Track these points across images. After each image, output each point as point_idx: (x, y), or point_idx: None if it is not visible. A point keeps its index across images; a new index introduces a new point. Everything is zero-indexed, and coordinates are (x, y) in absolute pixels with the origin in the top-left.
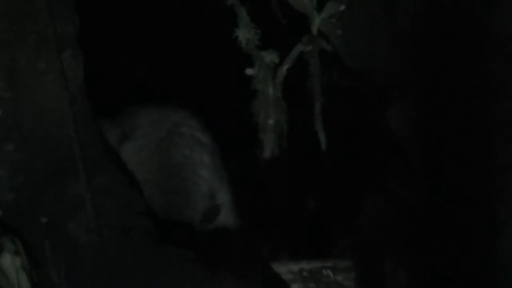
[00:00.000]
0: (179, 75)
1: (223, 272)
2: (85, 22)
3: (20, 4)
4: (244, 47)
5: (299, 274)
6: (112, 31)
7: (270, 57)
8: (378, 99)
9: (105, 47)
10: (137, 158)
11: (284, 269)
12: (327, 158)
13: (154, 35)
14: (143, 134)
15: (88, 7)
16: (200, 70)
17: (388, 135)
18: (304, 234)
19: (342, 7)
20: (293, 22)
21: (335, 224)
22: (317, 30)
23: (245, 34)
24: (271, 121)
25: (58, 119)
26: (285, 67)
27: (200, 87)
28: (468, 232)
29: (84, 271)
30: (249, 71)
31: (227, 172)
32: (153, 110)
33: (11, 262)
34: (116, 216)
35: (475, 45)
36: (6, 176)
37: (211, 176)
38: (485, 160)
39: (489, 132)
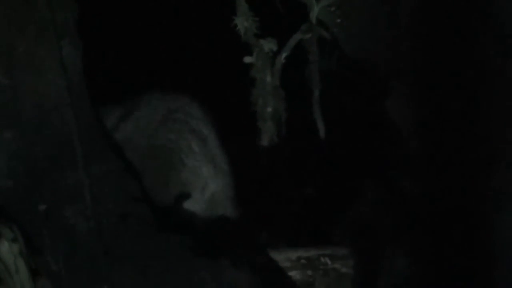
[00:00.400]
0: (178, 63)
1: (221, 259)
2: (84, 9)
3: None
4: (242, 35)
5: (297, 261)
6: (111, 19)
7: (268, 45)
8: (377, 87)
9: (105, 35)
10: (127, 139)
11: (282, 256)
12: (326, 146)
13: (153, 23)
14: (138, 116)
15: None
16: (198, 58)
17: (387, 123)
18: (302, 222)
19: None
20: (292, 10)
21: (333, 212)
22: (316, 18)
23: (243, 22)
24: (269, 109)
25: (57, 107)
26: (284, 55)
27: (199, 75)
28: (467, 220)
29: (82, 258)
30: (247, 59)
31: (224, 160)
32: (154, 95)
33: (9, 249)
34: (114, 203)
35: (476, 34)
36: (4, 163)
37: (197, 163)
38: (485, 150)
39: (489, 122)
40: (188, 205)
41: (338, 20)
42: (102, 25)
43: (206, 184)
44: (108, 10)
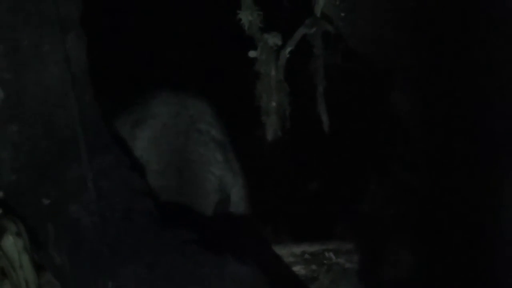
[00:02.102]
0: (182, 57)
1: (225, 254)
2: (89, 3)
3: None
4: (247, 30)
5: (301, 256)
6: (116, 13)
7: (273, 39)
8: (381, 81)
9: (110, 31)
10: (154, 150)
11: (286, 251)
12: (330, 141)
13: (157, 18)
14: (161, 125)
15: None
16: (202, 53)
17: (390, 118)
18: (306, 216)
19: None
20: (296, 4)
21: (338, 206)
22: (320, 12)
23: (248, 16)
24: (273, 104)
25: (61, 101)
26: (288, 49)
27: (203, 69)
28: (470, 214)
29: (86, 252)
30: (252, 54)
31: (237, 162)
32: (171, 100)
33: (13, 244)
34: (118, 197)
35: (479, 29)
36: (8, 157)
37: (223, 172)
38: (486, 142)
39: (490, 114)
40: (207, 208)
41: (343, 14)
42: (106, 19)
43: (228, 190)
44: (113, 3)
